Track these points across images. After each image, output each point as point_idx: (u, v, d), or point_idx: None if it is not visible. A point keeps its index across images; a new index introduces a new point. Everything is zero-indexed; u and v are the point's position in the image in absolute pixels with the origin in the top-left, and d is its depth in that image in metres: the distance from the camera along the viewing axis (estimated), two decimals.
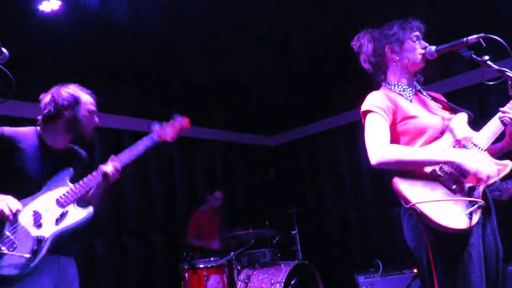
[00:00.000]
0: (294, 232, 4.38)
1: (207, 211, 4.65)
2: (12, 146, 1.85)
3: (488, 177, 1.46)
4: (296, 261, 3.90)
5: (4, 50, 1.37)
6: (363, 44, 1.76)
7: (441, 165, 1.51)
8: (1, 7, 2.79)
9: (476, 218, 1.42)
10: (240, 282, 3.65)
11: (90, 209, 1.89)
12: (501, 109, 1.58)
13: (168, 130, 2.13)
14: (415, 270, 3.67)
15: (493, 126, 1.58)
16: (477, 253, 1.42)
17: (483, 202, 1.42)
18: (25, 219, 1.77)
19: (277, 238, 4.20)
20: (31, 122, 1.97)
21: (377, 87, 1.80)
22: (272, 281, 3.49)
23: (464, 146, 1.56)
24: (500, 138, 1.63)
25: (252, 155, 5.94)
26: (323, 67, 4.36)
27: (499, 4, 3.29)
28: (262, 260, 3.93)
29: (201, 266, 3.63)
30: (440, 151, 1.51)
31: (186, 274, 3.67)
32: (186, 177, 5.05)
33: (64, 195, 1.86)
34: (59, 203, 1.85)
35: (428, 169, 1.51)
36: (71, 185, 1.90)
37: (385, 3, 3.12)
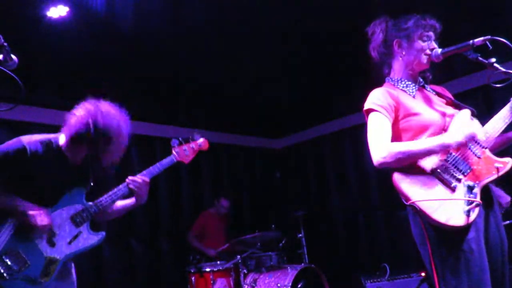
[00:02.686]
0: (300, 235, 4.36)
1: (214, 214, 4.67)
2: (32, 159, 1.76)
3: (487, 173, 1.48)
4: (302, 264, 3.88)
5: (13, 56, 1.39)
6: (376, 32, 1.76)
7: (442, 163, 1.51)
8: (10, 15, 2.84)
9: (474, 215, 1.42)
10: (246, 286, 3.64)
11: (102, 234, 1.86)
12: None
13: (188, 152, 2.13)
14: (422, 274, 3.63)
15: (503, 116, 1.58)
16: (478, 246, 1.42)
17: (480, 202, 1.43)
18: (39, 236, 1.73)
19: (283, 241, 4.19)
20: (40, 127, 1.98)
21: (380, 83, 1.79)
22: (279, 285, 3.47)
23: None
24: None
25: (258, 158, 5.94)
26: (328, 69, 4.36)
27: (505, 6, 3.27)
28: (268, 263, 3.92)
29: (208, 269, 3.63)
30: (437, 139, 1.51)
31: (193, 278, 3.67)
32: (192, 181, 5.06)
33: (79, 213, 1.82)
34: (74, 222, 1.81)
35: (428, 167, 1.52)
36: (87, 203, 1.85)
37: (391, 5, 3.12)
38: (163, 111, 4.78)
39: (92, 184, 1.92)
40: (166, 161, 2.05)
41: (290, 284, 3.45)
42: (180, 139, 2.14)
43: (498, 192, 2.61)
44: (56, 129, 4.14)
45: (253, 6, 3.14)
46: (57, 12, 2.93)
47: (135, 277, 4.31)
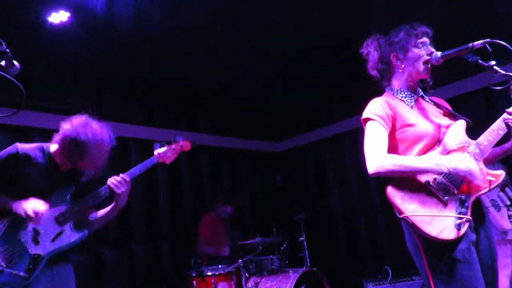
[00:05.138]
0: (301, 238, 4.35)
1: (216, 218, 4.65)
2: (24, 163, 1.90)
3: (479, 187, 1.48)
4: (304, 268, 3.87)
5: (15, 62, 1.40)
6: (370, 51, 1.78)
7: (434, 176, 1.53)
8: (12, 20, 2.86)
9: (464, 228, 1.45)
10: None
11: (84, 233, 1.94)
12: (508, 110, 1.59)
13: (169, 153, 2.21)
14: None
15: (496, 129, 1.59)
16: (471, 256, 1.45)
17: (470, 218, 1.46)
18: (25, 235, 1.85)
19: (284, 245, 4.18)
20: (41, 132, 2.00)
21: (381, 91, 1.81)
22: None
23: None
24: (503, 140, 1.63)
25: (259, 161, 5.94)
26: (329, 73, 4.37)
27: (503, 9, 3.28)
28: (270, 267, 3.91)
29: (209, 273, 3.63)
30: (433, 161, 1.52)
31: (194, 282, 3.66)
32: (193, 185, 5.06)
33: (62, 213, 1.91)
34: (57, 221, 1.91)
35: (421, 180, 1.54)
36: (71, 203, 1.94)
37: (390, 7, 3.13)
38: (163, 114, 4.79)
39: (78, 186, 2.01)
40: (146, 162, 2.12)
41: (291, 287, 3.44)
42: (162, 142, 2.23)
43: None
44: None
45: (254, 8, 3.16)
46: (59, 17, 2.95)
47: (136, 281, 4.30)
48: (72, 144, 1.86)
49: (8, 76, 1.36)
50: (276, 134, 6.04)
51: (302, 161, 5.87)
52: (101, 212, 2.07)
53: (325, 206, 5.51)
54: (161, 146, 2.21)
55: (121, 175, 2.00)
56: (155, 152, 2.18)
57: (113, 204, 2.04)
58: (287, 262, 4.06)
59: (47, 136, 2.02)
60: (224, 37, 3.52)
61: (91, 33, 3.18)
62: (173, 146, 2.23)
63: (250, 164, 5.81)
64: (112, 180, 1.97)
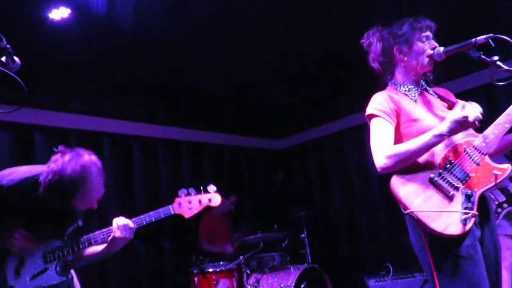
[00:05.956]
0: (303, 235, 4.36)
1: (218, 215, 4.65)
2: (12, 195, 1.75)
3: (475, 118, 1.47)
4: (305, 264, 3.87)
5: (16, 58, 1.40)
6: (372, 43, 1.75)
7: (439, 171, 1.52)
8: (12, 17, 2.85)
9: (470, 224, 1.44)
10: (249, 286, 3.64)
11: (68, 277, 1.79)
12: None
13: (192, 205, 1.88)
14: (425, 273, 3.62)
15: (502, 122, 1.57)
16: (476, 252, 1.44)
17: (476, 213, 1.44)
18: (10, 264, 1.76)
19: (286, 242, 4.18)
20: (42, 129, 1.97)
21: (383, 87, 1.79)
22: (282, 285, 3.47)
23: (465, 150, 1.56)
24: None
25: (260, 159, 5.94)
26: (329, 69, 4.36)
27: (506, 3, 3.26)
28: (271, 264, 3.92)
29: (211, 270, 3.63)
30: (431, 132, 1.51)
31: (196, 279, 3.67)
32: (194, 182, 5.05)
33: (52, 250, 1.78)
34: (45, 258, 1.78)
35: (426, 175, 1.52)
36: (65, 241, 1.81)
37: (392, 4, 3.11)
38: (164, 112, 4.79)
39: (79, 223, 1.87)
40: (161, 212, 1.86)
41: (293, 284, 3.44)
42: (189, 190, 1.89)
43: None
44: (57, 130, 4.14)
45: (254, 5, 3.14)
46: (59, 14, 2.94)
47: (138, 278, 4.31)
48: (60, 182, 1.69)
49: (9, 72, 1.36)
50: (277, 132, 6.03)
51: (303, 159, 5.87)
52: (90, 250, 1.91)
53: (327, 203, 5.52)
54: (188, 194, 1.88)
55: (127, 220, 1.81)
56: (176, 200, 1.88)
57: (105, 245, 1.85)
58: (288, 259, 4.06)
59: (47, 133, 1.96)
60: (224, 35, 3.51)
61: (92, 29, 3.17)
62: (200, 197, 1.88)
63: (251, 162, 5.81)
64: (118, 222, 1.78)
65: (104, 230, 1.83)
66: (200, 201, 1.89)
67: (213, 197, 1.92)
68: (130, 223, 1.79)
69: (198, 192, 1.91)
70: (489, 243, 1.53)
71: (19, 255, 1.77)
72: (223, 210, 4.65)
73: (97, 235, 1.82)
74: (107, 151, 4.28)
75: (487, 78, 3.99)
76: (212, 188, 1.93)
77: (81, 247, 1.80)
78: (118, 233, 1.77)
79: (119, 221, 1.78)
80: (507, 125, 1.57)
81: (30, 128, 3.67)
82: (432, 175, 1.51)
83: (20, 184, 1.77)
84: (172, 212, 1.87)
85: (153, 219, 1.84)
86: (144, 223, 1.83)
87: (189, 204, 1.88)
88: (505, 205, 2.79)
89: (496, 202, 2.81)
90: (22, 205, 1.78)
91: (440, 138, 1.49)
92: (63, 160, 1.74)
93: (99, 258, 1.91)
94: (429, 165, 1.55)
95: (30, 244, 1.72)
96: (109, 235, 1.80)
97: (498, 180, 1.50)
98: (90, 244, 1.81)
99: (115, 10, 3.01)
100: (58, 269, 1.78)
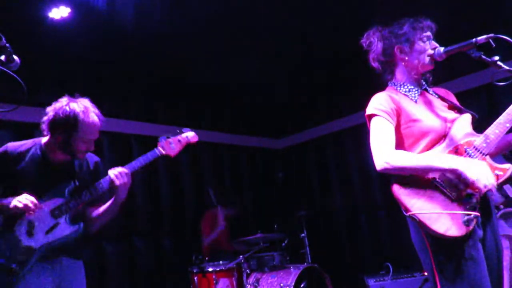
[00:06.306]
0: (303, 235, 4.36)
1: (218, 214, 4.65)
2: (15, 161, 1.91)
3: (486, 187, 1.43)
4: (305, 264, 3.88)
5: (15, 57, 1.40)
6: (373, 42, 1.74)
7: (442, 172, 1.50)
8: (12, 16, 2.85)
9: (472, 225, 1.43)
10: (249, 286, 3.64)
11: (80, 226, 1.92)
12: None
13: (173, 145, 2.11)
14: (425, 273, 3.62)
15: (503, 122, 1.56)
16: (478, 253, 1.43)
17: (478, 214, 1.44)
18: (19, 228, 1.84)
19: (286, 241, 4.19)
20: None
21: (383, 87, 1.79)
22: (282, 285, 3.47)
23: (465, 151, 1.55)
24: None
25: (260, 158, 5.93)
26: (330, 69, 4.36)
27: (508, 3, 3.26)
28: (271, 263, 3.92)
29: (210, 269, 3.63)
30: (445, 159, 1.49)
31: (195, 278, 3.67)
32: (194, 181, 5.06)
33: (58, 207, 1.90)
34: (53, 215, 1.89)
35: (428, 176, 1.52)
36: (67, 197, 1.92)
37: (392, 3, 3.11)
38: (164, 111, 4.78)
39: (76, 182, 1.98)
40: (148, 155, 2.04)
41: (293, 283, 3.44)
42: (168, 135, 2.13)
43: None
44: None
45: (254, 5, 3.14)
46: (59, 13, 2.94)
47: (137, 277, 4.31)
48: (61, 119, 1.87)
49: (9, 71, 1.36)
50: (277, 131, 6.03)
51: (303, 158, 5.86)
52: (102, 208, 2.05)
53: (327, 202, 5.51)
54: (167, 138, 2.12)
55: (121, 167, 1.97)
56: (159, 146, 2.10)
57: (113, 198, 2.01)
58: (288, 258, 4.06)
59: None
60: (225, 34, 3.51)
61: (92, 28, 3.17)
62: (178, 137, 2.14)
63: (251, 161, 5.80)
64: (114, 171, 1.94)
65: (101, 180, 1.95)
66: (179, 141, 2.13)
67: (188, 134, 2.18)
68: (123, 169, 1.95)
69: (175, 134, 2.15)
70: (491, 243, 1.52)
71: (26, 219, 1.85)
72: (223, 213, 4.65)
73: (95, 185, 1.94)
74: (107, 150, 4.28)
75: (487, 78, 4.00)
76: (186, 129, 2.20)
77: (83, 199, 1.92)
78: (117, 181, 1.92)
79: (114, 171, 1.93)
80: (508, 125, 1.56)
81: (30, 126, 3.67)
82: (433, 176, 1.51)
83: (22, 145, 1.97)
84: (159, 154, 2.06)
85: (143, 163, 2.02)
86: (136, 167, 2.00)
87: (170, 145, 2.10)
88: (501, 206, 2.79)
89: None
90: (25, 168, 1.90)
91: (450, 171, 1.46)
92: (60, 103, 1.94)
93: (111, 213, 2.02)
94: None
95: (36, 206, 1.79)
96: (106, 183, 1.94)
97: (500, 181, 1.49)
98: (91, 195, 1.93)
99: (115, 9, 3.01)
100: (68, 220, 1.90)
